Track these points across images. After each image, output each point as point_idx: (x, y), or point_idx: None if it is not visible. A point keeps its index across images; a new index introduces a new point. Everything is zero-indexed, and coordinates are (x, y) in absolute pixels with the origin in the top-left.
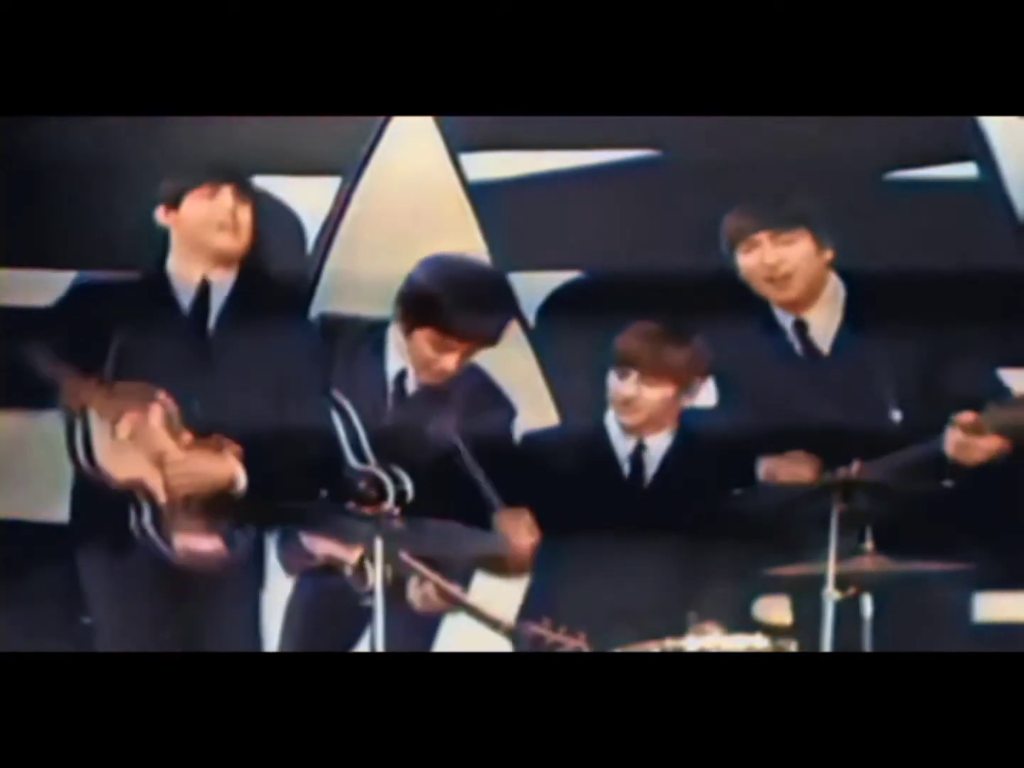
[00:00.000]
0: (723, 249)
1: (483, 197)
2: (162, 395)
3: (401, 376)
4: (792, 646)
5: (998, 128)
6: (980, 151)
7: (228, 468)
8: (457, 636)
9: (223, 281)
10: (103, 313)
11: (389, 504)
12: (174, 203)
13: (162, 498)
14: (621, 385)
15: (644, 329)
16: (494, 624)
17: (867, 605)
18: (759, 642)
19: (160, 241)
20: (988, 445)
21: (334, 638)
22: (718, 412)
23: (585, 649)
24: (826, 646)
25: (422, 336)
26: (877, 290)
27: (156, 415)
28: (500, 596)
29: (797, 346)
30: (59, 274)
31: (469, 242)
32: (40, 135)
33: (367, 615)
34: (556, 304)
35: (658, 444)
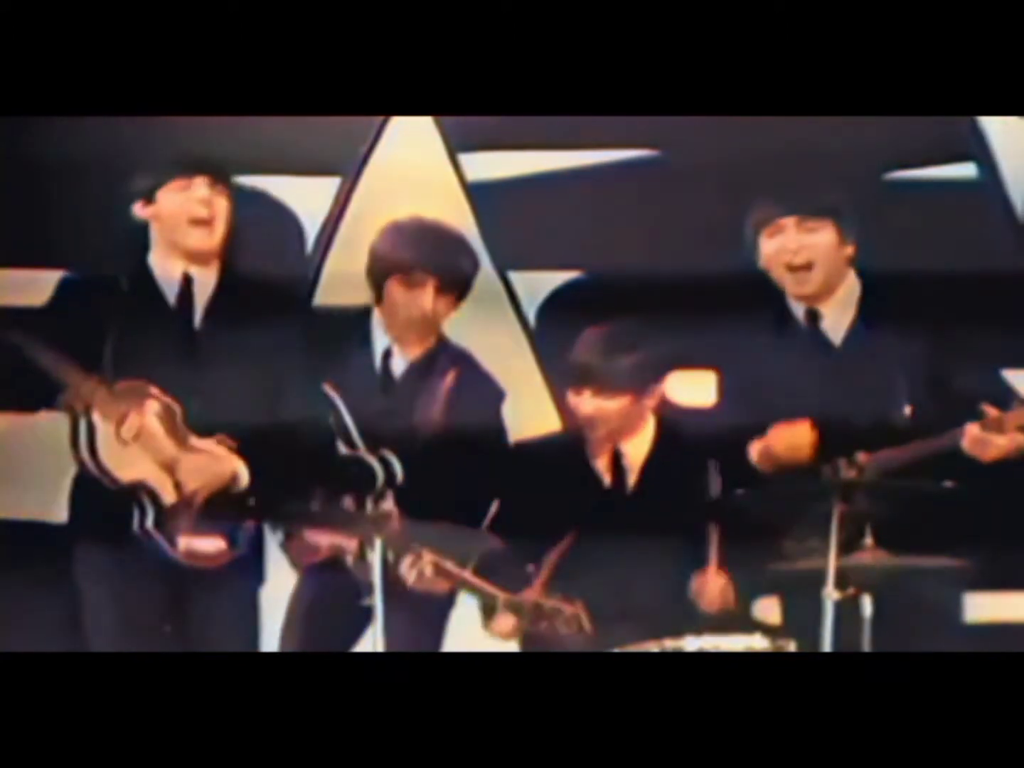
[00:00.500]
0: (746, 234)
1: (482, 197)
2: (164, 395)
3: (387, 356)
4: (791, 646)
5: (998, 128)
6: (980, 151)
7: (231, 466)
8: (463, 634)
9: (206, 275)
10: (91, 311)
11: (379, 488)
12: (149, 197)
13: (168, 499)
14: (579, 403)
15: (591, 341)
16: (491, 598)
17: (867, 605)
18: (758, 642)
19: (140, 236)
20: (1005, 443)
21: (337, 636)
22: (714, 411)
23: (582, 615)
24: (825, 646)
25: (393, 284)
26: (887, 288)
27: (159, 415)
28: None
29: (808, 337)
30: (56, 273)
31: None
32: (38, 135)
33: (369, 613)
34: (556, 304)
35: (636, 449)
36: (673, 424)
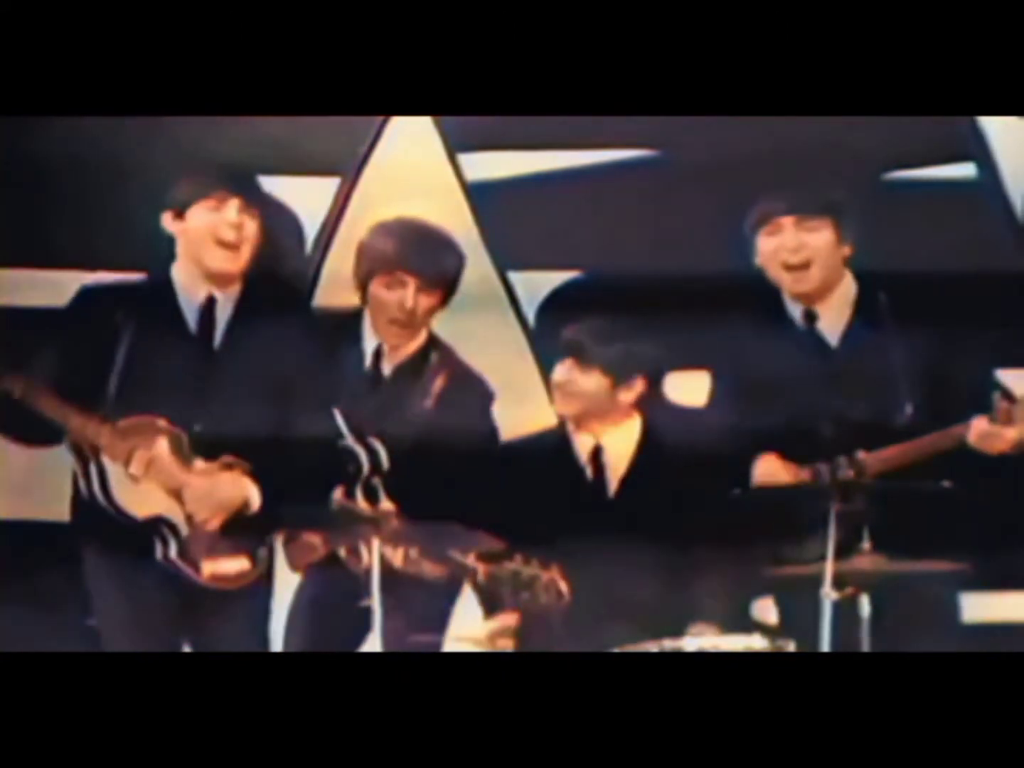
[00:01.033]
0: (745, 231)
1: (482, 197)
2: (167, 425)
3: (378, 355)
4: (790, 646)
5: (997, 128)
6: (979, 151)
7: (242, 489)
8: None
9: (228, 295)
10: (109, 317)
11: (364, 474)
12: (181, 211)
13: (185, 529)
14: (559, 371)
15: (586, 322)
16: (470, 571)
17: (865, 605)
18: (757, 642)
19: (167, 246)
20: (1015, 435)
21: (338, 636)
22: (708, 410)
23: (559, 580)
24: (824, 646)
25: (377, 285)
26: (886, 288)
27: (165, 447)
28: None
29: (805, 338)
30: (65, 274)
31: (468, 241)
32: (41, 134)
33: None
34: (556, 304)
35: (617, 444)
36: (662, 424)
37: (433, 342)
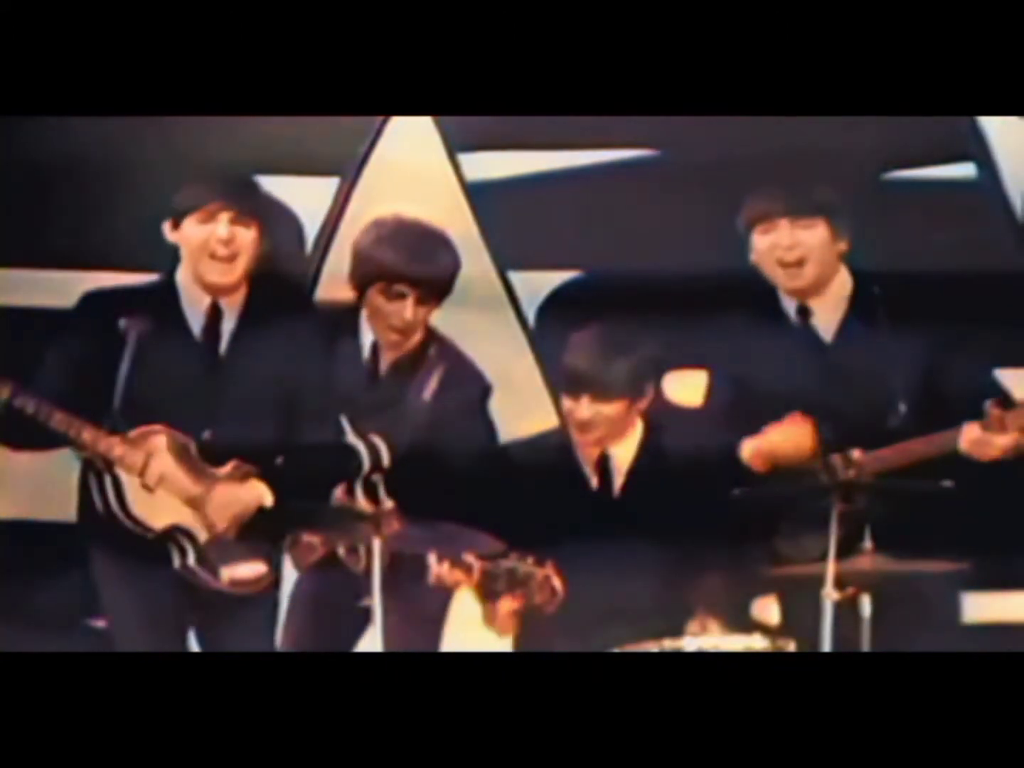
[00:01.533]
0: (739, 227)
1: (482, 197)
2: (177, 434)
3: (374, 350)
4: (790, 646)
5: (997, 128)
6: (979, 151)
7: (256, 494)
8: (461, 633)
9: (234, 303)
10: (113, 324)
11: (365, 471)
12: (177, 221)
13: (202, 537)
14: (576, 408)
15: (587, 345)
16: (467, 567)
17: (866, 605)
18: (757, 642)
19: (169, 248)
20: (1005, 443)
21: (336, 635)
22: (704, 409)
23: (553, 577)
24: (824, 646)
25: (375, 292)
26: (885, 287)
27: (176, 456)
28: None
29: (800, 334)
30: (59, 274)
31: (468, 241)
32: (40, 135)
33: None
34: (556, 304)
35: (622, 449)
36: (662, 425)
37: (431, 335)
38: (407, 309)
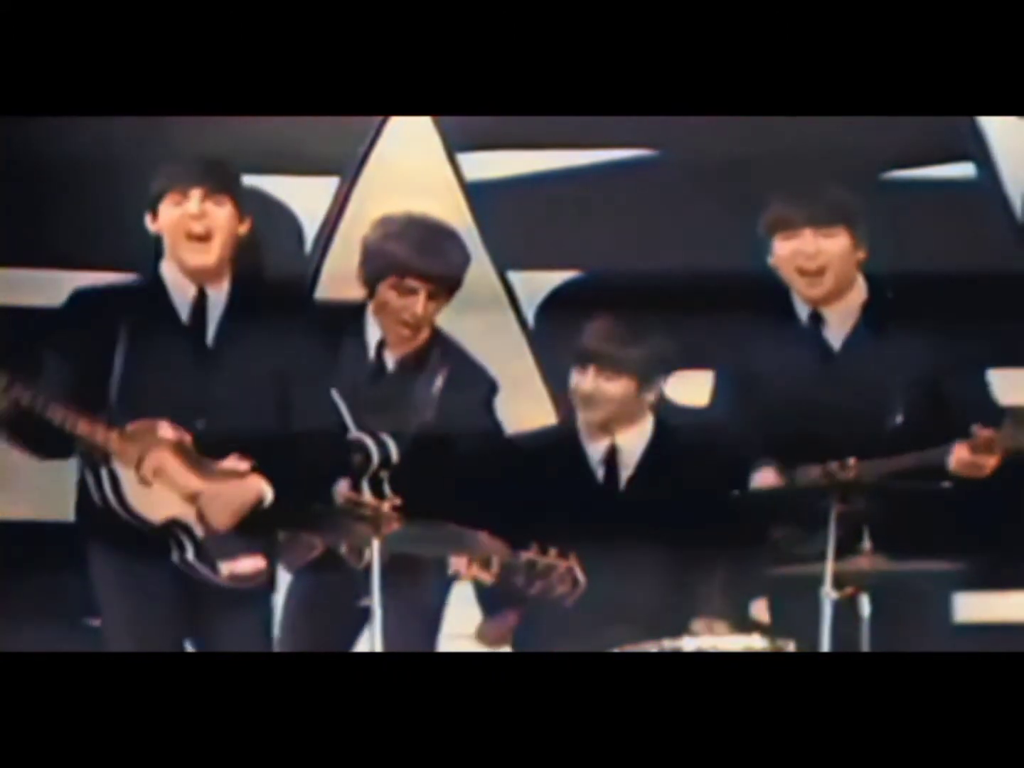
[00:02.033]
0: (759, 232)
1: (481, 197)
2: (175, 427)
3: (381, 346)
4: (790, 646)
5: (997, 128)
6: (978, 151)
7: (255, 487)
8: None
9: (219, 290)
10: (104, 320)
11: (374, 467)
12: (154, 210)
13: (200, 531)
14: (581, 380)
15: (603, 326)
16: (486, 562)
17: (865, 605)
18: (757, 642)
19: (154, 245)
20: (992, 464)
21: (333, 635)
22: (709, 409)
23: (576, 569)
24: (824, 646)
25: (386, 287)
26: (887, 289)
27: (174, 450)
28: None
29: (809, 339)
30: (59, 273)
31: (467, 241)
32: (39, 134)
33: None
34: (555, 304)
35: (632, 443)
36: (671, 422)
37: (436, 334)
38: (418, 304)
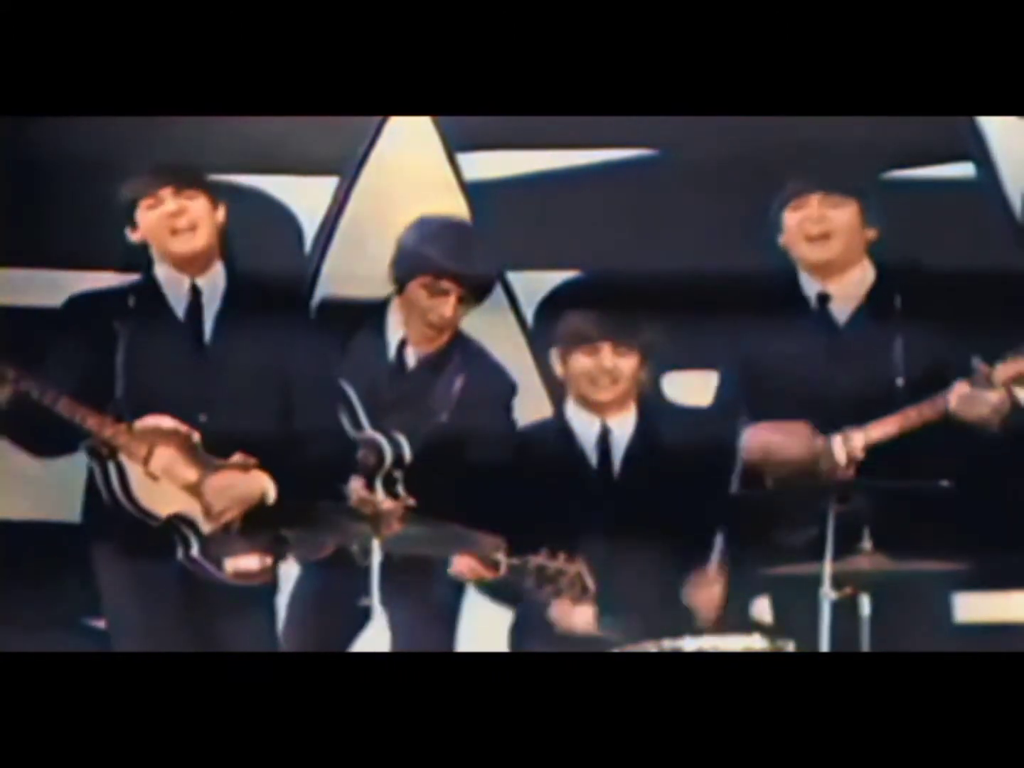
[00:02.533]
0: (772, 209)
1: (480, 197)
2: (181, 425)
3: (402, 345)
4: (790, 646)
5: (996, 128)
6: (978, 151)
7: (260, 484)
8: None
9: (213, 285)
10: (104, 322)
11: (387, 466)
12: (132, 220)
13: (206, 528)
14: (598, 359)
15: (590, 312)
16: (495, 564)
17: (864, 605)
18: (757, 642)
19: (143, 252)
20: (993, 399)
21: (342, 632)
22: (710, 409)
23: (584, 574)
24: (823, 646)
25: (417, 286)
26: (891, 285)
27: (180, 446)
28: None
29: (816, 322)
30: (59, 273)
31: None
32: (39, 134)
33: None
34: (554, 304)
35: (622, 425)
36: (659, 412)
37: (459, 335)
38: (448, 306)
